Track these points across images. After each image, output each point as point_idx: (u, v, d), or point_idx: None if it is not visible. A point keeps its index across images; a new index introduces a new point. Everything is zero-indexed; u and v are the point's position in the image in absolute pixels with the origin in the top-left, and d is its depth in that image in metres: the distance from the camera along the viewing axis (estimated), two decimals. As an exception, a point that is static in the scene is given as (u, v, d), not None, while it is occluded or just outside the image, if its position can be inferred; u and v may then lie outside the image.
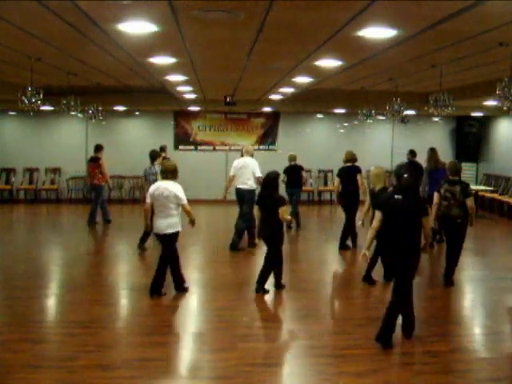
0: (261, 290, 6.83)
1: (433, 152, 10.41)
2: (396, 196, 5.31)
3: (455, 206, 7.13)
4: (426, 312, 5.78)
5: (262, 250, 9.71)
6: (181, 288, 6.74)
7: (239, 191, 9.51)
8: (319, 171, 16.14)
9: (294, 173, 11.41)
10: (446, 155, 13.88)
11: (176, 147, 15.77)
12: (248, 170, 9.47)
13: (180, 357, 5.07)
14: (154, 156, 9.55)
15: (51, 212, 14.97)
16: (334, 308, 6.91)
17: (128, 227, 11.79)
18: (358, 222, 8.24)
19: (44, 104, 8.51)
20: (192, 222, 6.73)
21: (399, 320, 5.85)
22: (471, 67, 7.58)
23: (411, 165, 11.09)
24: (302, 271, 7.69)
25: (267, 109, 14.88)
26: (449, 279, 7.24)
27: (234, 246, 9.24)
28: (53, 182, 15.74)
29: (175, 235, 6.63)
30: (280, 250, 6.94)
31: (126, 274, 8.31)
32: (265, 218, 6.93)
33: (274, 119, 16.19)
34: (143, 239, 9.15)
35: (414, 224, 5.25)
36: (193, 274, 7.44)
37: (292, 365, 5.00)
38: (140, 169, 14.77)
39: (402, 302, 5.26)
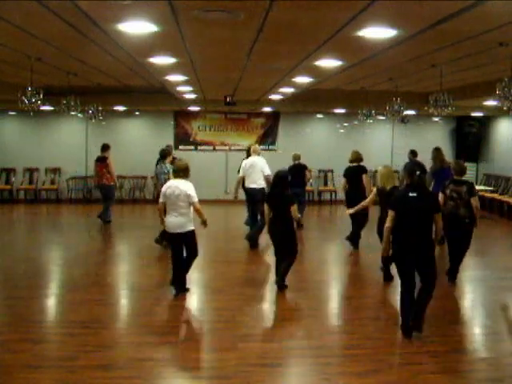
0: (284, 286, 6.91)
1: (438, 152, 10.45)
2: (411, 194, 5.35)
3: (462, 206, 7.17)
4: (427, 312, 5.77)
5: (262, 250, 9.74)
6: (182, 288, 6.74)
7: (250, 191, 9.53)
8: (319, 171, 16.13)
9: (298, 172, 11.39)
10: (446, 155, 13.83)
11: (176, 147, 15.74)
12: (257, 168, 9.52)
13: (180, 357, 5.06)
14: (164, 155, 9.50)
15: (51, 212, 14.97)
16: (334, 308, 6.91)
17: (128, 227, 11.79)
18: (350, 211, 8.28)
19: (44, 104, 8.52)
20: (204, 223, 6.74)
21: (399, 320, 5.86)
22: (471, 67, 7.58)
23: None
24: (302, 271, 7.69)
25: (267, 109, 14.88)
26: (453, 276, 7.34)
27: (253, 240, 9.26)
28: (53, 182, 15.74)
29: (191, 233, 6.64)
30: (297, 245, 7.05)
31: (126, 273, 8.31)
32: (275, 216, 6.96)
33: (273, 119, 16.19)
34: (163, 235, 9.18)
35: (428, 221, 5.33)
36: (193, 274, 7.42)
37: (292, 365, 5.00)
38: (140, 169, 14.87)
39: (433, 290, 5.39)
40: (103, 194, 11.83)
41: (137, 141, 15.60)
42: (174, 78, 9.19)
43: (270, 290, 7.08)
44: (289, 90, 10.93)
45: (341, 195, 15.44)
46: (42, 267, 8.50)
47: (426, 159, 12.27)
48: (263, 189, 9.49)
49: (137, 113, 15.89)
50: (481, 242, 10.35)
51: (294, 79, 9.14)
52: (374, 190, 7.50)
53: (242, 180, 9.81)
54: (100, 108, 10.91)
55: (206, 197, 14.53)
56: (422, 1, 3.96)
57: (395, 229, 5.41)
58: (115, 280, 7.90)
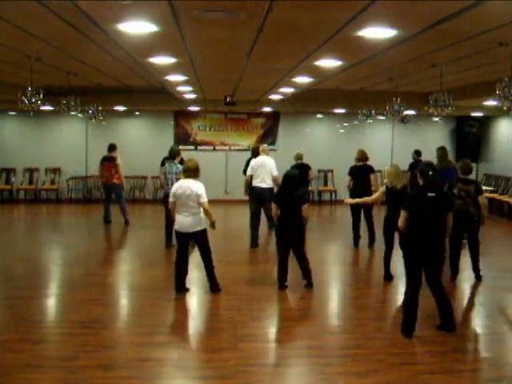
0: (311, 284, 7.04)
1: (443, 151, 10.50)
2: (429, 194, 5.38)
3: (472, 205, 7.28)
4: (427, 312, 5.78)
5: (262, 250, 9.74)
6: (182, 287, 6.75)
7: (258, 190, 9.51)
8: (319, 171, 16.13)
9: (301, 172, 11.35)
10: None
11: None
12: (267, 168, 9.54)
13: (180, 357, 5.06)
14: (173, 154, 9.41)
15: (51, 212, 14.97)
16: (334, 308, 6.91)
17: (128, 227, 11.78)
18: (349, 200, 8.36)
19: (44, 104, 8.52)
20: (212, 225, 6.78)
21: (399, 320, 5.86)
22: (471, 67, 7.58)
23: (417, 164, 11.15)
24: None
25: (267, 109, 14.88)
26: (478, 273, 7.54)
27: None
28: (53, 182, 15.74)
29: (202, 233, 6.68)
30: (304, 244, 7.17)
31: (126, 274, 8.31)
32: (285, 215, 6.97)
33: (274, 119, 16.19)
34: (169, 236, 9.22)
35: (442, 220, 5.42)
36: (193, 274, 7.43)
37: (292, 365, 5.00)
38: (140, 169, 14.87)
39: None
40: (115, 194, 11.75)
41: (137, 141, 15.61)
42: (173, 77, 9.19)
43: (270, 290, 7.07)
44: (289, 90, 10.93)
45: (341, 194, 15.55)
46: (41, 267, 8.50)
47: (426, 159, 12.29)
48: (272, 189, 9.48)
49: (137, 113, 15.89)
50: (481, 241, 10.33)
51: (293, 79, 9.14)
52: (382, 188, 7.47)
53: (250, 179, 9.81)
54: (100, 108, 10.90)
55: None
56: (422, 1, 3.96)
57: (410, 230, 5.42)
58: (115, 280, 7.90)
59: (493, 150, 15.41)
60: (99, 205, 15.19)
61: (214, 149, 16.05)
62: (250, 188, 9.84)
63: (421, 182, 5.56)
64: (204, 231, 6.72)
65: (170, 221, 9.17)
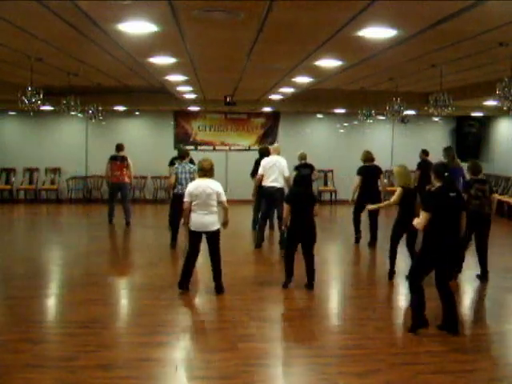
0: (312, 286, 7.03)
1: (450, 150, 10.60)
2: (451, 194, 5.46)
3: (487, 204, 7.44)
4: (426, 312, 5.78)
5: (263, 250, 9.74)
6: (185, 286, 6.76)
7: (270, 190, 9.44)
8: (319, 171, 16.11)
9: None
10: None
11: (176, 147, 15.74)
12: (279, 168, 9.49)
13: (180, 357, 5.06)
14: (183, 155, 9.45)
15: (51, 212, 14.97)
16: (334, 308, 6.91)
17: (128, 227, 11.76)
18: (372, 206, 8.28)
19: (44, 104, 8.52)
20: (225, 224, 6.83)
21: (398, 320, 5.87)
22: (471, 67, 7.58)
23: (424, 164, 11.20)
24: (302, 271, 7.66)
25: (267, 109, 14.88)
26: (486, 274, 7.58)
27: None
28: (53, 182, 15.74)
29: (218, 232, 6.72)
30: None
31: (126, 273, 8.31)
32: (298, 215, 6.97)
33: (273, 119, 16.18)
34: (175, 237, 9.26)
35: (458, 219, 5.51)
36: (193, 275, 7.43)
37: (292, 365, 5.00)
38: (140, 169, 14.83)
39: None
40: (122, 194, 11.74)
41: (137, 141, 15.59)
42: (173, 77, 9.19)
43: (270, 290, 7.08)
44: (289, 90, 10.93)
45: (341, 194, 15.57)
46: (41, 267, 8.50)
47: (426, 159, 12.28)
48: (283, 188, 9.47)
49: (137, 113, 15.89)
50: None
51: (294, 79, 9.14)
52: (399, 189, 7.44)
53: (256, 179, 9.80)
54: (100, 108, 10.90)
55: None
56: (422, 1, 3.96)
57: (433, 230, 5.40)
58: (115, 280, 7.90)
59: (493, 149, 15.41)
60: (99, 205, 15.22)
61: (214, 149, 16.05)
62: (259, 188, 9.76)
63: (437, 183, 5.54)
64: (219, 231, 6.75)
65: (176, 220, 9.25)
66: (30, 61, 7.16)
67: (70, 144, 15.69)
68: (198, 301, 6.79)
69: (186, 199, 6.70)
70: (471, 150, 15.81)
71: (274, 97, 12.51)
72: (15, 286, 7.16)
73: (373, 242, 9.85)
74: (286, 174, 9.52)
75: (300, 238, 7.09)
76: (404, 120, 13.61)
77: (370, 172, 9.77)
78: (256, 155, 11.06)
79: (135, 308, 6.57)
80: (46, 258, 9.46)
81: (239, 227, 11.11)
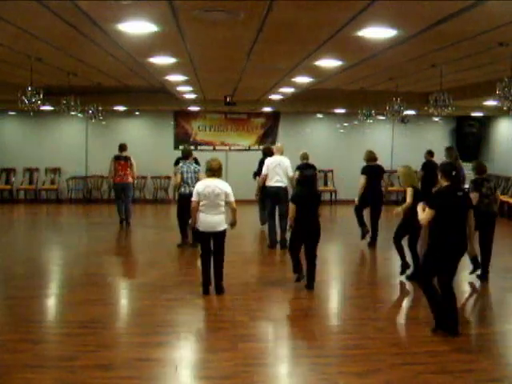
0: (312, 286, 6.99)
1: (452, 150, 10.65)
2: (459, 193, 5.48)
3: (494, 202, 7.60)
4: (426, 311, 5.78)
5: (263, 250, 9.74)
6: (208, 290, 6.80)
7: (275, 189, 9.45)
8: (319, 171, 16.11)
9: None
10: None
11: (176, 147, 15.75)
12: (283, 168, 9.51)
13: (180, 357, 5.06)
14: (187, 155, 9.51)
15: (51, 212, 14.96)
16: (334, 308, 6.91)
17: (129, 227, 11.76)
18: (399, 210, 7.91)
19: (44, 104, 8.52)
20: (233, 224, 6.84)
21: (399, 320, 5.87)
22: (471, 67, 7.58)
23: (430, 164, 11.22)
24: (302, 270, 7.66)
25: (267, 109, 14.88)
26: (487, 274, 7.61)
27: (285, 244, 9.27)
28: (53, 182, 15.74)
29: (225, 232, 6.74)
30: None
31: (126, 273, 8.31)
32: (303, 215, 6.95)
33: (273, 119, 16.18)
34: (195, 236, 9.20)
35: (465, 219, 5.53)
36: (194, 275, 7.44)
37: (292, 365, 5.00)
38: (140, 169, 14.77)
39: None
40: (126, 194, 11.74)
41: (137, 141, 15.56)
42: (173, 77, 9.19)
43: (270, 291, 7.08)
44: (289, 90, 10.92)
45: (341, 194, 15.58)
46: (41, 267, 8.50)
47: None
48: (286, 188, 9.51)
49: (137, 113, 15.89)
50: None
51: (293, 79, 9.14)
52: (410, 190, 7.42)
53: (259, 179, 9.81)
54: (100, 108, 10.90)
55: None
56: (422, 1, 3.96)
57: (439, 229, 5.39)
58: (115, 280, 7.90)
59: (493, 149, 15.41)
60: (99, 205, 15.23)
61: (214, 149, 16.04)
62: (263, 188, 9.76)
63: (444, 182, 5.54)
64: (225, 231, 6.75)
65: (184, 220, 9.27)
66: (30, 61, 7.15)
67: (70, 144, 15.69)
68: (198, 301, 6.78)
69: (194, 199, 6.68)
70: (471, 150, 15.81)
71: (274, 97, 12.51)
72: (15, 286, 7.16)
73: (373, 243, 9.85)
74: (290, 173, 9.55)
75: (304, 238, 7.09)
76: (404, 120, 13.62)
77: (373, 172, 9.79)
78: (256, 155, 11.07)
79: (135, 308, 6.57)
80: (46, 258, 9.46)
81: (239, 227, 11.08)
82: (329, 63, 7.19)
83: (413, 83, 9.68)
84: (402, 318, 6.33)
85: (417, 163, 12.10)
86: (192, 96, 12.60)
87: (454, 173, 5.51)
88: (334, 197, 16.11)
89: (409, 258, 7.64)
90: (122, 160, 11.65)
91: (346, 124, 16.49)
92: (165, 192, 15.72)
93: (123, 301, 7.01)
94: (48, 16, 4.59)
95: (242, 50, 6.31)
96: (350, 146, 16.01)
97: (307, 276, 7.08)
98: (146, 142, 15.75)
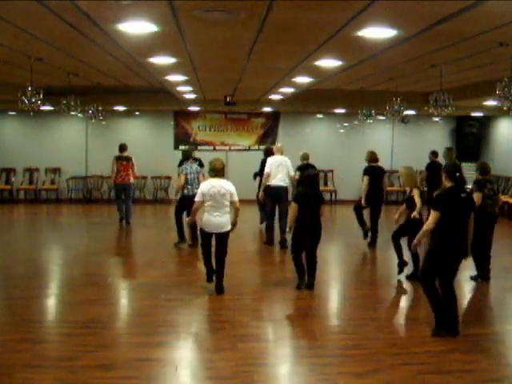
0: (312, 286, 6.98)
1: (451, 151, 10.74)
2: (462, 195, 5.45)
3: (496, 204, 7.57)
4: (426, 312, 5.78)
5: (263, 250, 9.73)
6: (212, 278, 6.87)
7: (277, 189, 9.49)
8: (319, 171, 16.10)
9: None
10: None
11: (176, 147, 15.76)
12: (285, 167, 9.56)
13: (180, 357, 5.06)
14: (188, 156, 9.64)
15: (51, 212, 14.97)
16: (334, 308, 6.90)
17: (129, 227, 11.77)
18: (416, 214, 7.72)
19: (44, 104, 8.52)
20: (234, 225, 6.83)
21: (399, 320, 5.87)
22: (471, 67, 7.58)
23: (434, 165, 11.24)
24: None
25: (267, 109, 14.88)
26: (488, 273, 7.60)
27: (285, 244, 9.30)
28: (53, 182, 15.74)
29: (228, 233, 6.76)
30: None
31: (126, 273, 8.31)
32: (306, 215, 6.95)
33: (273, 119, 16.18)
34: (194, 236, 9.26)
35: (467, 221, 5.54)
36: (194, 275, 7.45)
37: (292, 365, 5.00)
38: (140, 169, 14.81)
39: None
40: (127, 194, 11.75)
41: (137, 141, 15.56)
42: (173, 77, 9.19)
43: (270, 291, 7.08)
44: (289, 90, 10.93)
45: (341, 194, 15.57)
46: (42, 267, 8.50)
47: (426, 159, 12.27)
48: (287, 188, 9.58)
49: (137, 113, 15.89)
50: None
51: (294, 79, 9.14)
52: (417, 191, 7.42)
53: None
54: (100, 108, 10.90)
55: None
56: (422, 1, 3.96)
57: (442, 231, 5.36)
58: (115, 280, 7.90)
59: (493, 149, 15.40)
60: (99, 205, 15.23)
61: (214, 149, 16.04)
62: (265, 187, 9.79)
63: (448, 183, 5.52)
64: (229, 232, 6.77)
65: (181, 220, 9.32)
66: (30, 61, 7.15)
67: (70, 144, 15.69)
68: (198, 301, 6.78)
69: (198, 199, 6.67)
70: (471, 150, 15.82)
71: (274, 97, 12.51)
72: (15, 286, 7.16)
73: (373, 243, 9.85)
74: (292, 172, 9.65)
75: (306, 238, 7.08)
76: (404, 120, 13.61)
77: (375, 172, 9.81)
78: (256, 155, 11.08)
79: (135, 308, 6.57)
80: (46, 257, 9.46)
81: (239, 227, 11.08)
82: (329, 63, 7.19)
83: (413, 83, 9.68)
84: (401, 318, 6.33)
85: (417, 163, 12.09)
86: (192, 96, 12.60)
87: (458, 174, 5.49)
88: (333, 197, 16.11)
89: (407, 258, 7.64)
90: (123, 160, 11.67)
91: (346, 124, 16.49)
92: (165, 192, 15.72)
93: (123, 301, 7.01)
94: (48, 16, 4.59)
95: (242, 50, 6.31)
96: (350, 146, 16.01)
97: (307, 276, 7.08)
98: (146, 142, 15.75)
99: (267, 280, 7.56)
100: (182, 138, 16.00)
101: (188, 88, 10.92)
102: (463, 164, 13.78)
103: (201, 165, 9.99)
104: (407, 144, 16.06)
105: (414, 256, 7.52)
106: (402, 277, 7.61)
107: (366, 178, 9.77)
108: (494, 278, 7.67)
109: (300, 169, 10.80)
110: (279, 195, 9.49)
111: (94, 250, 9.68)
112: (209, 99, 13.51)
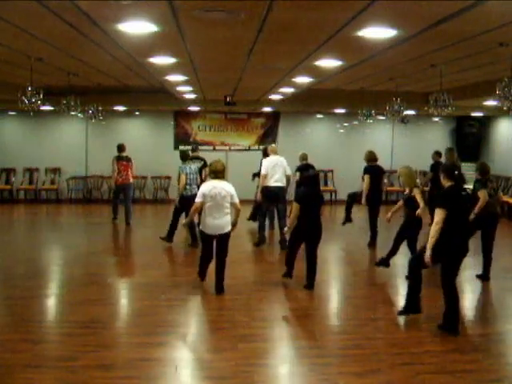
0: (312, 286, 7.02)
1: (452, 151, 10.78)
2: (463, 193, 5.51)
3: (497, 203, 7.64)
4: (426, 311, 5.78)
5: (263, 250, 9.73)
6: (222, 289, 6.86)
7: (275, 189, 9.51)
8: (319, 171, 16.09)
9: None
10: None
11: (176, 147, 15.75)
12: (282, 168, 9.59)
13: (180, 357, 5.06)
14: (186, 156, 9.72)
15: (51, 212, 14.96)
16: (334, 308, 6.91)
17: (129, 227, 11.76)
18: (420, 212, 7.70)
19: (44, 104, 8.51)
20: (234, 225, 6.84)
21: (399, 320, 5.86)
22: (471, 67, 7.58)
23: (438, 165, 11.24)
24: (302, 271, 7.67)
25: (267, 109, 14.88)
26: (488, 274, 7.62)
27: (286, 245, 9.26)
28: (53, 182, 15.74)
29: (229, 234, 6.77)
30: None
31: (126, 273, 8.31)
32: (307, 215, 6.96)
33: (273, 119, 16.18)
34: (194, 236, 9.28)
35: (468, 219, 5.62)
36: (193, 275, 7.43)
37: (292, 365, 5.00)
38: (140, 169, 14.79)
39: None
40: (126, 194, 11.74)
41: (137, 141, 15.58)
42: (173, 77, 9.19)
43: (270, 291, 7.08)
44: (289, 90, 10.92)
45: (341, 194, 15.55)
46: (42, 267, 8.50)
47: (426, 159, 12.28)
48: (284, 187, 9.63)
49: (137, 113, 15.89)
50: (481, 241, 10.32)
51: (294, 79, 9.14)
52: (418, 190, 7.42)
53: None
54: (100, 108, 10.90)
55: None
56: (422, 1, 3.96)
57: (444, 229, 5.36)
58: (115, 280, 7.90)
59: (493, 150, 15.40)
60: (99, 205, 15.22)
61: (214, 149, 16.03)
62: (262, 188, 9.76)
63: (447, 183, 5.54)
64: (230, 233, 6.78)
65: (177, 221, 9.37)
66: (30, 61, 7.15)
67: (70, 144, 15.69)
68: (198, 301, 6.79)
69: (198, 199, 6.67)
70: (471, 150, 15.82)
71: (274, 97, 12.50)
72: (15, 286, 7.16)
73: (373, 242, 9.85)
74: (288, 172, 9.68)
75: (306, 238, 7.08)
76: (404, 120, 13.61)
77: (374, 172, 9.82)
78: (256, 155, 11.09)
79: (135, 308, 6.57)
80: (46, 258, 9.46)
81: (239, 227, 11.08)
82: (329, 63, 7.19)
83: (413, 83, 9.68)
84: (401, 318, 6.32)
85: (417, 163, 12.12)
86: (192, 96, 12.60)
87: (456, 173, 5.52)
88: (333, 197, 16.11)
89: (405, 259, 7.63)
90: (124, 160, 11.69)
91: (346, 124, 16.49)
92: (165, 192, 15.72)
93: (123, 301, 7.01)
94: (48, 16, 4.59)
95: (242, 50, 6.31)
96: (350, 146, 16.01)
97: (307, 276, 7.08)
98: (146, 142, 15.75)
99: (267, 280, 7.55)
100: (181, 137, 16.00)
101: (188, 88, 10.92)
102: (463, 164, 13.82)
103: (205, 165, 10.02)
104: (407, 144, 16.06)
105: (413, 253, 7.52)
106: (402, 277, 7.60)
107: (367, 177, 9.77)
108: (493, 278, 7.67)
109: (300, 169, 10.80)
110: (277, 196, 9.53)
111: (94, 250, 9.69)
112: (209, 99, 13.51)
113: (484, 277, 7.61)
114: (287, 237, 7.65)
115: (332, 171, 16.07)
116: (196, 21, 4.72)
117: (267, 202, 9.70)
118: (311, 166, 11.08)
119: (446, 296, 5.48)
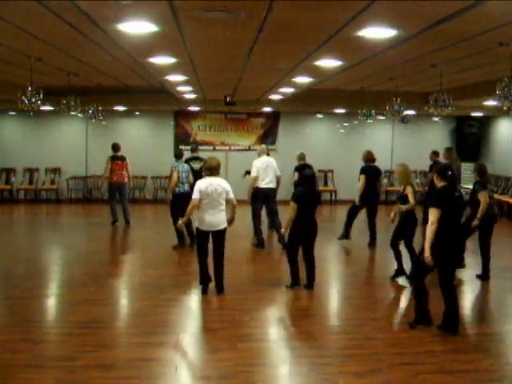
0: (312, 286, 7.03)
1: (451, 151, 10.76)
2: (456, 193, 5.50)
3: (496, 205, 7.68)
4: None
5: (263, 250, 9.72)
6: (206, 283, 6.86)
7: (265, 191, 9.55)
8: (319, 171, 16.10)
9: None
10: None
11: (176, 147, 15.73)
12: (272, 168, 9.64)
13: (180, 357, 5.06)
14: (181, 154, 9.78)
15: (51, 212, 14.96)
16: (334, 308, 6.91)
17: (129, 227, 11.77)
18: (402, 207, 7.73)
19: (44, 104, 8.51)
20: (231, 221, 6.86)
21: (399, 320, 5.86)
22: (471, 67, 7.58)
23: (436, 165, 11.25)
24: (302, 271, 7.68)
25: (267, 109, 14.88)
26: (488, 273, 7.60)
27: (284, 240, 9.28)
28: (53, 182, 15.74)
29: (225, 231, 6.78)
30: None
31: (126, 273, 8.31)
32: (303, 215, 6.95)
33: (273, 119, 16.18)
34: (190, 232, 9.23)
35: (461, 219, 5.59)
36: (193, 275, 7.43)
37: (292, 365, 5.00)
38: (140, 169, 14.84)
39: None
40: (122, 193, 11.76)
41: (137, 141, 15.60)
42: (173, 77, 9.19)
43: (270, 290, 7.08)
44: (289, 90, 10.92)
45: (341, 194, 15.56)
46: (42, 267, 8.50)
47: (426, 159, 12.28)
48: (275, 188, 9.70)
49: (137, 113, 15.88)
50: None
51: (294, 79, 9.14)
52: (411, 189, 7.40)
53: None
54: (100, 108, 10.90)
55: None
56: (422, 1, 3.96)
57: (438, 229, 5.34)
58: (115, 280, 7.90)
59: (493, 150, 15.40)
60: (99, 205, 15.22)
61: (214, 149, 16.03)
62: (254, 189, 9.77)
63: (440, 183, 5.54)
64: (225, 229, 6.79)
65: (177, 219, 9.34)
66: (30, 61, 7.15)
67: (70, 144, 15.69)
68: (198, 301, 6.78)
69: (195, 196, 6.66)
70: (471, 150, 15.81)
71: (274, 97, 12.50)
72: (15, 286, 7.16)
73: (372, 243, 9.85)
74: (278, 173, 9.76)
75: (302, 239, 7.08)
76: (404, 120, 13.61)
77: (370, 172, 9.82)
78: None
79: (135, 308, 6.57)
80: (46, 257, 9.46)
81: (239, 227, 11.10)
82: (329, 63, 7.19)
83: (413, 83, 9.68)
84: (401, 318, 6.32)
85: (417, 163, 12.12)
86: (192, 96, 12.60)
87: (449, 173, 5.51)
88: (333, 197, 16.10)
89: (405, 261, 7.64)
90: (118, 160, 11.71)
91: (345, 124, 16.48)
92: (165, 192, 15.70)
93: (123, 301, 7.01)
94: (48, 16, 4.59)
95: (241, 50, 6.31)
96: (349, 145, 16.01)
97: (307, 276, 7.08)
98: (146, 142, 15.76)
99: (267, 280, 7.55)
100: (182, 137, 15.99)
101: (188, 88, 10.92)
102: (463, 164, 13.81)
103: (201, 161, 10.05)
104: (407, 144, 16.06)
105: (412, 255, 7.51)
106: (403, 277, 7.61)
107: (362, 177, 9.78)
108: (493, 278, 7.67)
109: (298, 169, 10.81)
110: (268, 196, 9.59)
111: (94, 250, 9.69)
112: (209, 99, 13.51)
113: (484, 276, 7.60)
114: (286, 236, 7.61)
115: (332, 171, 16.07)
116: (196, 21, 4.72)
117: (259, 203, 9.73)
118: (309, 166, 11.08)
119: (445, 296, 5.48)
